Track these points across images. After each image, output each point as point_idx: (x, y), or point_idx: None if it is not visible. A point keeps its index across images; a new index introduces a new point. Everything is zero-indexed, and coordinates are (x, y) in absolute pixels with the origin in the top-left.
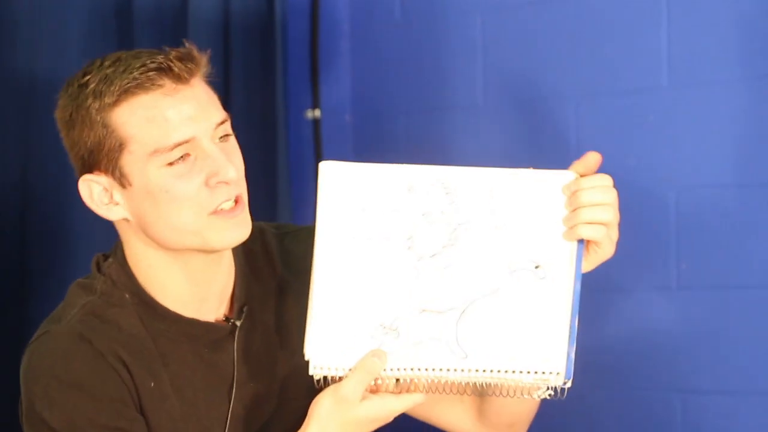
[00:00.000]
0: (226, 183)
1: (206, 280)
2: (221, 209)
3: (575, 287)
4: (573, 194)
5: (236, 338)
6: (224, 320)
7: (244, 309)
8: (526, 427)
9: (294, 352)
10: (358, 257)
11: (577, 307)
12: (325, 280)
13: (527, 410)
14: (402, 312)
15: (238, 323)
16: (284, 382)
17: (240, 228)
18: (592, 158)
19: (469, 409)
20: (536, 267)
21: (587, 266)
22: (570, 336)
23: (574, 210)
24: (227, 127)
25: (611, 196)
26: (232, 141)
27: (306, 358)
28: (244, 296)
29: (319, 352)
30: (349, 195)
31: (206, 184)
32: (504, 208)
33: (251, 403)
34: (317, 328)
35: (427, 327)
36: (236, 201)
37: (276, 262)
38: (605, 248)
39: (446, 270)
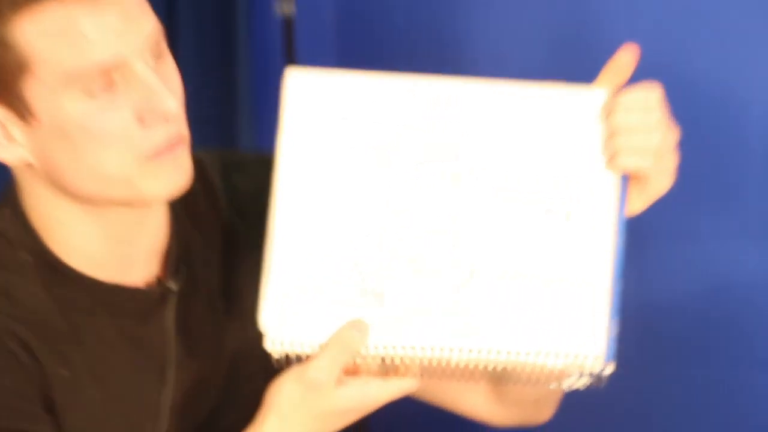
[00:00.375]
0: (165, 119)
1: (131, 236)
2: (157, 151)
3: (618, 238)
4: (608, 115)
5: (171, 306)
6: (155, 284)
7: (182, 268)
8: (554, 404)
9: (247, 322)
10: (332, 197)
11: (621, 265)
12: (287, 227)
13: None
14: (389, 270)
15: (173, 287)
16: (235, 360)
17: (181, 173)
18: (625, 59)
19: (483, 388)
20: (566, 212)
21: (636, 206)
22: (611, 304)
23: (611, 136)
24: (162, 43)
25: (657, 115)
26: (169, 61)
27: (262, 331)
28: (180, 252)
29: (279, 323)
30: (322, 114)
31: (138, 119)
32: (523, 134)
33: (193, 389)
34: (276, 291)
35: (421, 291)
36: (175, 138)
37: (221, 205)
38: (656, 181)
39: (447, 216)
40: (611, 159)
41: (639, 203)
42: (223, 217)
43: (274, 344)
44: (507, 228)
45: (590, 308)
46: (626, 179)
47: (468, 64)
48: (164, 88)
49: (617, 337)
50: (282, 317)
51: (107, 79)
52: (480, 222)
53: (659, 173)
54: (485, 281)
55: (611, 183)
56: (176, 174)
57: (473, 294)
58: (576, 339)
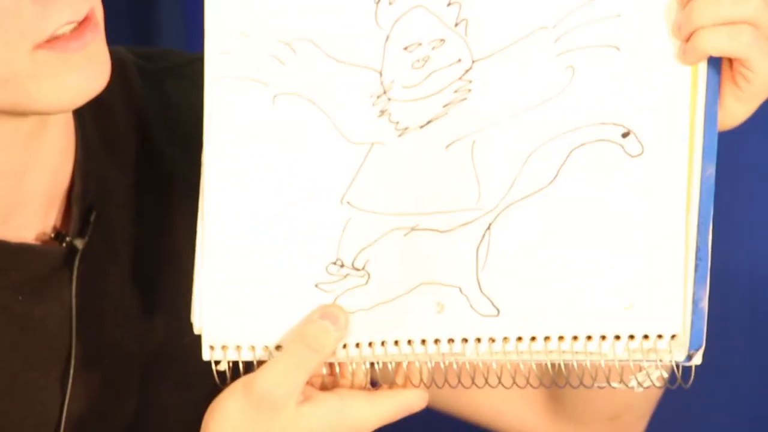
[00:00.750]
0: None
1: (18, 167)
2: (57, 35)
3: (703, 170)
4: None
5: (75, 272)
6: (53, 240)
7: (92, 216)
8: (644, 417)
9: (184, 301)
10: (288, 134)
11: (709, 211)
12: (225, 178)
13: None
14: (373, 231)
15: (78, 244)
16: (162, 360)
17: (92, 69)
18: None
19: (532, 397)
20: (624, 134)
21: (736, 112)
22: (697, 268)
23: (687, 9)
24: None
25: None
26: None
27: (196, 331)
28: (91, 192)
29: (219, 319)
30: (264, 18)
31: None
32: (559, 30)
33: (101, 393)
34: (214, 274)
35: (421, 259)
36: (85, 19)
37: (150, 124)
38: (760, 70)
39: (453, 150)
40: (691, 42)
41: (739, 108)
42: (154, 142)
43: (215, 350)
44: (542, 160)
45: (665, 273)
46: (716, 74)
47: None
48: None
49: (707, 316)
50: (222, 312)
51: None
52: (500, 157)
53: (761, 57)
54: (513, 242)
55: (687, 88)
56: (86, 70)
57: (496, 262)
58: (646, 318)
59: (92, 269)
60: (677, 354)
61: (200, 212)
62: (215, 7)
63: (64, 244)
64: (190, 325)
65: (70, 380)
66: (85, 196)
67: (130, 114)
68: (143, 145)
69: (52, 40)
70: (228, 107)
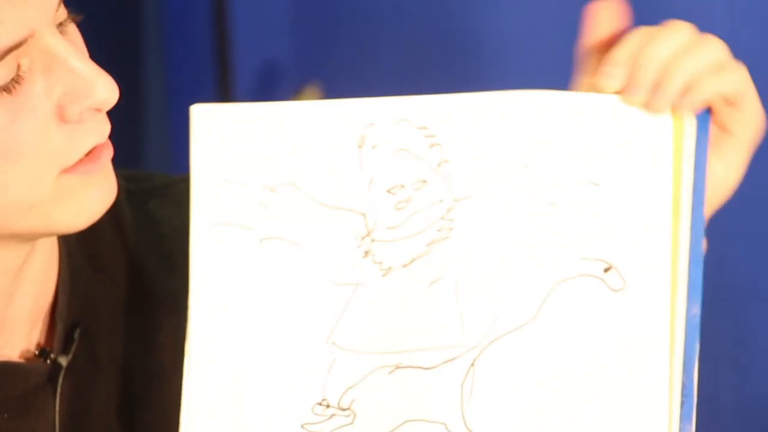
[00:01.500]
0: (96, 111)
1: (7, 290)
2: (82, 161)
3: (688, 309)
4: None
5: (59, 389)
6: (37, 356)
7: (76, 333)
8: None
9: (171, 413)
10: (274, 276)
11: (695, 349)
12: (211, 320)
13: None
14: (358, 370)
15: (63, 361)
16: None
17: (109, 185)
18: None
19: None
20: (606, 269)
21: (731, 162)
22: (682, 404)
23: (662, 77)
24: (62, 5)
25: (686, 32)
26: (73, 30)
27: None
28: (75, 310)
29: None
30: (247, 165)
31: (59, 117)
32: (539, 168)
33: None
34: (200, 415)
35: (406, 396)
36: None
37: (132, 244)
38: (750, 102)
39: (435, 288)
40: (685, 94)
41: (734, 156)
42: (139, 260)
43: None
44: (523, 298)
45: (649, 406)
46: (700, 204)
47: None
48: (92, 66)
49: None
50: None
51: (12, 65)
52: (483, 294)
53: (749, 88)
54: (496, 377)
55: (668, 220)
56: (103, 190)
57: (480, 395)
58: None
59: (76, 386)
60: None
61: (186, 353)
62: (201, 155)
63: (48, 361)
64: None
65: None
66: (69, 313)
67: (115, 233)
68: (128, 263)
69: (76, 164)
70: (214, 252)
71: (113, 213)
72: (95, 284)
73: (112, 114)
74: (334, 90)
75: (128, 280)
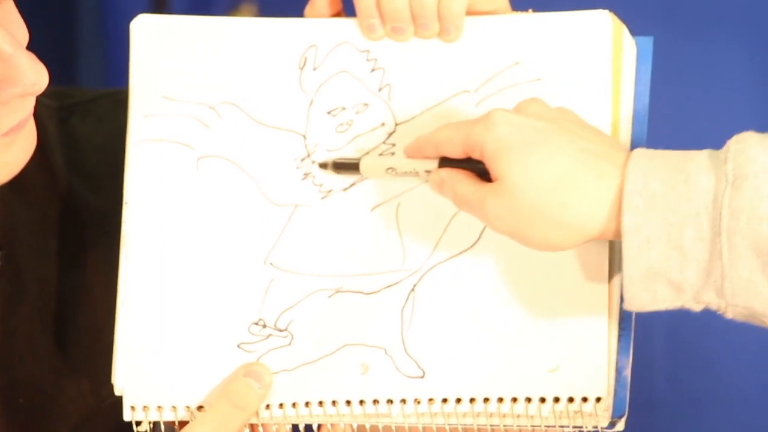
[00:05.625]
0: (22, 97)
1: None
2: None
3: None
4: None
5: None
6: None
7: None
8: None
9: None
10: (211, 196)
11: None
12: (146, 240)
13: None
14: (296, 292)
15: None
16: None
17: (28, 142)
18: None
19: None
20: None
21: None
22: (620, 338)
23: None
24: None
25: None
26: (9, 9)
27: (117, 392)
28: None
29: (140, 379)
30: (187, 81)
31: None
32: (481, 93)
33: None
34: (135, 334)
35: (346, 321)
36: None
37: (57, 163)
38: None
39: (377, 213)
40: None
41: None
42: (59, 179)
43: (135, 410)
44: (459, 226)
45: (588, 334)
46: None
47: None
48: (22, 53)
49: (629, 381)
50: (143, 373)
51: None
52: (424, 219)
53: None
54: (438, 303)
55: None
56: (24, 144)
57: (420, 323)
58: (570, 382)
59: (3, 308)
60: (602, 419)
61: (120, 273)
62: (139, 71)
63: None
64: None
65: None
66: None
67: (36, 152)
68: (50, 182)
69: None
70: (151, 169)
71: (37, 132)
72: (16, 205)
73: (43, 29)
74: (269, 8)
75: (50, 200)
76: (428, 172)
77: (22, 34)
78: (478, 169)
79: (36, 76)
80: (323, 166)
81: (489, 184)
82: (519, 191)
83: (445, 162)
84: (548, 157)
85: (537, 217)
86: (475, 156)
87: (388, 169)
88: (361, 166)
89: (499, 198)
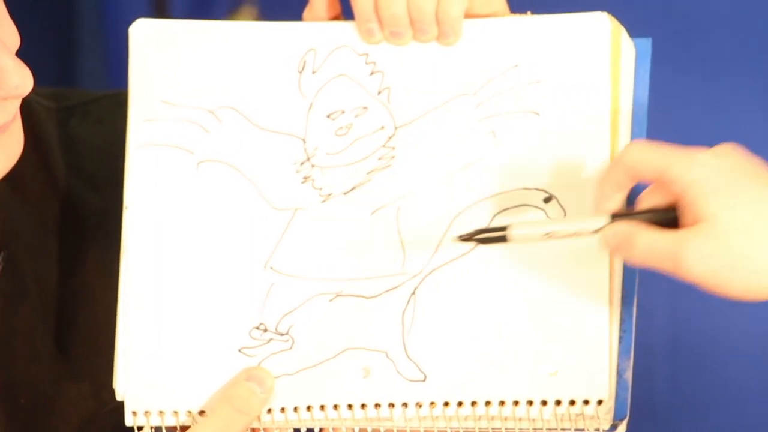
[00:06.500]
0: (5, 99)
1: None
2: None
3: None
4: None
5: None
6: None
7: (0, 255)
8: None
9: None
10: (211, 200)
11: (634, 286)
12: (146, 244)
13: None
14: (297, 296)
15: None
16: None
17: (14, 144)
18: None
19: None
20: (546, 199)
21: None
22: (621, 340)
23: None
24: None
25: None
26: None
27: (118, 397)
28: None
29: (142, 384)
30: (187, 86)
31: None
32: (480, 96)
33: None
34: (136, 339)
35: (347, 325)
36: None
37: (56, 165)
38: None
39: (377, 216)
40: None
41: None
42: (59, 181)
43: (137, 415)
44: (460, 229)
45: (588, 339)
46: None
47: None
48: (7, 56)
49: (631, 384)
50: (144, 378)
51: None
52: (424, 224)
53: None
54: (437, 308)
55: (606, 151)
56: (9, 149)
57: (420, 328)
58: (571, 384)
59: (3, 310)
60: (603, 422)
61: (121, 278)
62: (139, 75)
63: None
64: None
65: None
66: None
67: (36, 153)
68: (50, 184)
69: None
70: (151, 174)
71: (34, 132)
72: (16, 206)
73: (43, 31)
74: (270, 10)
75: (50, 201)
76: (597, 231)
77: (12, 36)
78: (658, 219)
79: (20, 79)
80: (465, 239)
81: (683, 229)
82: (728, 233)
83: (619, 217)
84: (757, 200)
85: (742, 261)
86: (665, 189)
87: (545, 235)
88: (513, 237)
89: (704, 241)
